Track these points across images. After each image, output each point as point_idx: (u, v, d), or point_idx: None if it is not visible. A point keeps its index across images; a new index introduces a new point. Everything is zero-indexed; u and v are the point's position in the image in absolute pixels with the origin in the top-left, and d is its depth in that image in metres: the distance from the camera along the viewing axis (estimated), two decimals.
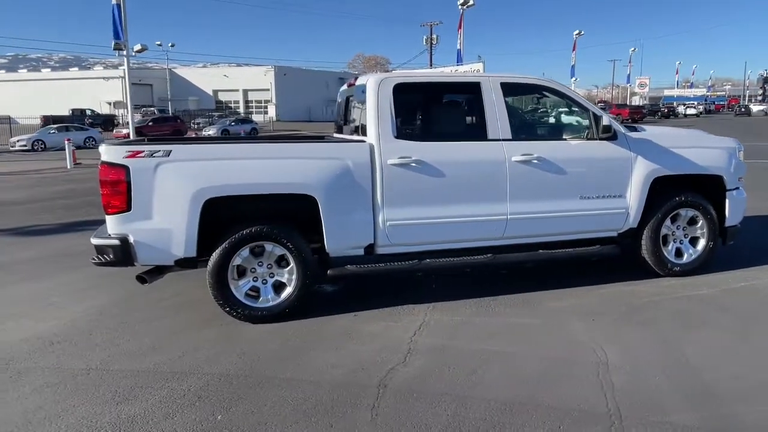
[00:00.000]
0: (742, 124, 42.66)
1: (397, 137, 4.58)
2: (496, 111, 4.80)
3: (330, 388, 3.43)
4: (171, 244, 4.27)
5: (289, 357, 3.89)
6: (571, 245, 5.10)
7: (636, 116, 48.92)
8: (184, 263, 4.39)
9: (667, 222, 5.22)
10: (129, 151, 4.16)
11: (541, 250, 5.02)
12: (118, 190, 4.16)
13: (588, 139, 5.02)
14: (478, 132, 4.80)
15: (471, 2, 35.59)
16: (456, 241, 4.82)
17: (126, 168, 4.14)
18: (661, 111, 62.95)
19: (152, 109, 52.46)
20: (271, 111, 48.68)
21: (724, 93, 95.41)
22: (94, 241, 4.29)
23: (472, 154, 4.74)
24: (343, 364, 3.76)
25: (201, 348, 4.07)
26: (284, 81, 63.22)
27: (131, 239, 4.20)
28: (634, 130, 5.41)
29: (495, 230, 4.83)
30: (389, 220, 4.57)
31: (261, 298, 4.52)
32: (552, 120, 5.72)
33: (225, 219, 4.42)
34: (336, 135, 5.94)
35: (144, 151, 4.18)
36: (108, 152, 4.19)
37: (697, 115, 63.31)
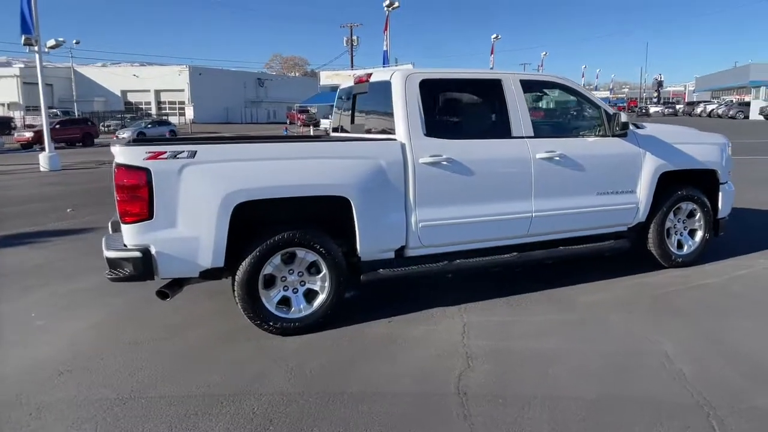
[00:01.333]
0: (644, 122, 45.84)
1: (426, 135, 4.44)
2: (518, 108, 4.78)
3: (410, 400, 3.24)
4: (197, 254, 3.88)
5: (345, 370, 3.64)
6: (586, 241, 5.18)
7: None
8: (209, 275, 4.02)
9: (671, 215, 5.43)
10: (150, 152, 3.74)
11: (561, 247, 5.05)
12: (139, 195, 3.73)
13: (600, 136, 5.12)
14: (502, 129, 4.74)
15: (396, 4, 35.91)
16: (484, 241, 4.74)
17: (147, 171, 3.72)
18: None
19: (54, 110, 48.67)
20: (189, 112, 46.52)
21: (624, 95, 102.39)
22: (109, 254, 3.82)
23: (500, 151, 4.68)
24: (407, 373, 3.57)
25: (240, 366, 3.73)
26: (200, 81, 60.83)
27: (153, 250, 3.78)
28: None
29: (520, 228, 4.81)
30: (422, 220, 4.41)
31: (293, 309, 4.22)
32: (565, 117, 5.78)
33: (252, 225, 4.09)
34: (339, 134, 5.70)
35: (166, 152, 3.77)
36: (125, 153, 3.74)
37: None
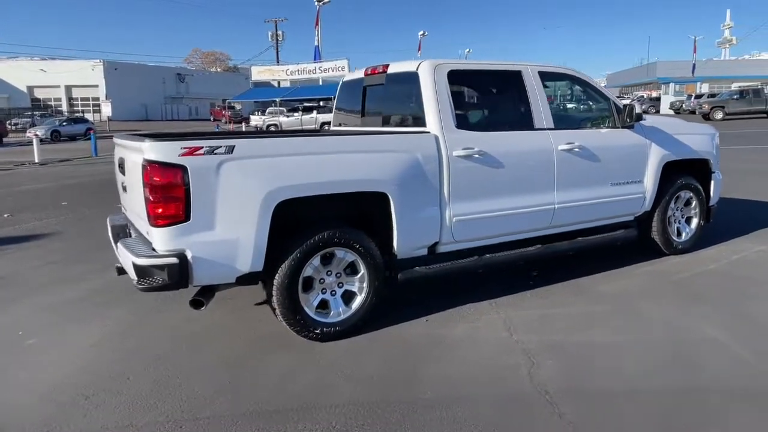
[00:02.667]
0: None
1: (458, 127, 4.32)
2: (539, 100, 4.75)
3: (492, 402, 3.11)
4: (236, 257, 3.56)
5: (408, 375, 3.45)
6: (598, 231, 5.25)
7: None
8: (245, 280, 3.71)
9: (672, 204, 5.61)
10: (185, 148, 3.38)
11: (579, 238, 5.09)
12: (174, 195, 3.36)
13: (610, 128, 5.20)
14: (526, 121, 4.70)
15: None
16: (510, 234, 4.69)
17: (183, 168, 3.36)
18: None
19: None
20: (106, 109, 43.75)
21: None
22: (139, 261, 3.42)
23: (527, 143, 4.64)
24: (472, 374, 3.43)
25: (289, 377, 3.46)
26: (116, 77, 57.44)
27: (189, 255, 3.43)
28: None
29: (544, 220, 4.79)
30: (456, 215, 4.29)
31: (332, 312, 3.98)
32: (578, 109, 5.83)
33: (290, 224, 3.80)
34: (346, 128, 5.46)
35: (203, 148, 3.42)
36: (157, 149, 3.36)
37: None
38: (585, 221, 5.10)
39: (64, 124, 35.28)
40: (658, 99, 51.39)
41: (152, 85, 62.24)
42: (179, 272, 3.40)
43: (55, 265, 6.16)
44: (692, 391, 3.16)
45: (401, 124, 4.67)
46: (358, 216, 4.12)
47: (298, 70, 41.25)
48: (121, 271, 4.25)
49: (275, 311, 3.85)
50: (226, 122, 44.44)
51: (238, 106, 55.63)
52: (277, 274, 3.73)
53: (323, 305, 3.98)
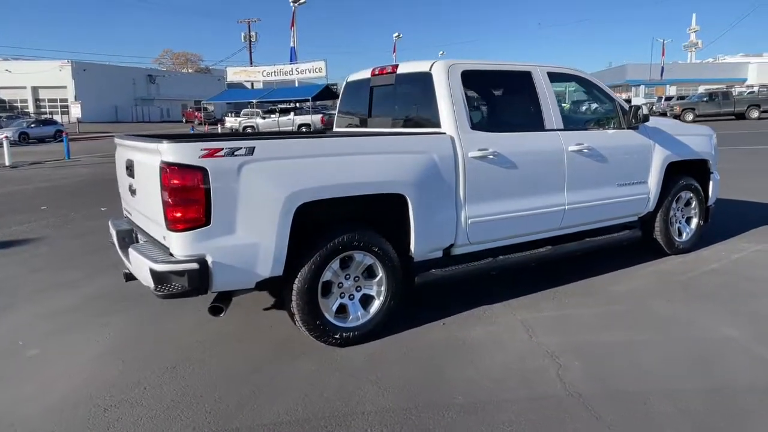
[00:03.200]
0: None
1: (472, 128, 4.28)
2: (548, 101, 4.75)
3: (526, 405, 3.06)
4: (256, 262, 3.46)
5: (435, 379, 3.39)
6: (604, 232, 5.28)
7: None
8: (265, 285, 3.60)
9: (673, 204, 5.68)
10: (206, 149, 3.26)
11: (587, 239, 5.11)
12: (194, 198, 3.25)
13: (616, 128, 5.23)
14: (537, 122, 4.69)
15: (302, 0, 35.32)
16: (522, 235, 4.67)
17: (204, 170, 3.24)
18: None
19: None
20: (75, 111, 42.56)
21: None
22: (158, 267, 3.28)
23: (539, 144, 4.63)
24: (500, 378, 3.39)
25: (314, 385, 3.36)
26: (85, 78, 56.09)
27: (209, 260, 3.31)
28: None
29: (555, 221, 4.79)
30: (471, 217, 4.25)
31: (351, 317, 3.90)
32: (584, 109, 5.84)
33: (307, 227, 3.71)
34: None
35: (223, 149, 3.31)
36: (175, 151, 3.23)
37: None
38: (592, 222, 5.12)
39: (33, 125, 34.26)
40: (628, 101, 52.25)
41: (122, 86, 60.99)
42: (199, 278, 3.28)
43: (45, 271, 5.93)
44: (723, 391, 3.17)
45: (413, 125, 4.61)
46: (372, 218, 4.05)
47: (275, 71, 40.85)
48: (130, 277, 4.11)
49: (293, 317, 3.75)
50: (199, 123, 43.78)
51: (210, 108, 54.83)
52: (297, 279, 3.63)
53: (341, 310, 3.90)
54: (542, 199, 4.64)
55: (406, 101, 4.85)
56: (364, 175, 3.76)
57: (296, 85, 40.83)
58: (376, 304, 3.98)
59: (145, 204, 3.78)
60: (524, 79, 4.73)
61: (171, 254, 3.37)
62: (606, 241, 5.23)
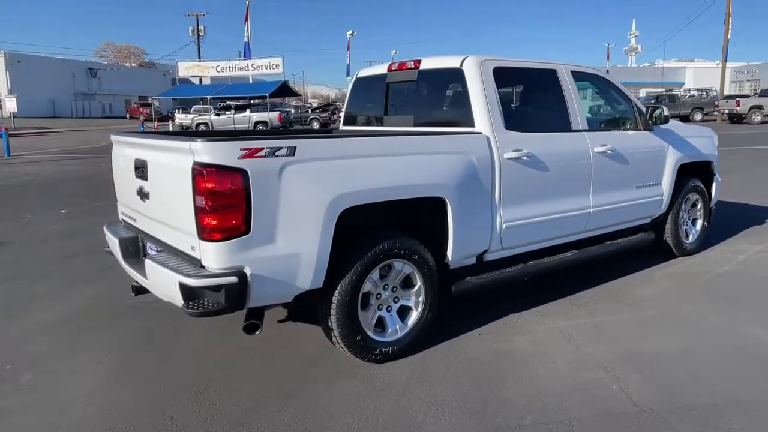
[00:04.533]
0: None
1: (507, 128, 4.07)
2: (574, 101, 4.61)
3: (599, 423, 2.87)
4: (297, 273, 3.12)
5: (489, 398, 3.14)
6: (619, 235, 5.18)
7: None
8: (303, 298, 3.27)
9: (682, 206, 5.66)
10: (245, 149, 2.90)
11: (608, 242, 5.00)
12: (233, 204, 2.88)
13: (633, 130, 5.15)
14: (565, 122, 4.53)
15: None
16: (550, 239, 4.50)
17: (244, 173, 2.88)
18: None
19: None
20: (10, 105, 39.96)
21: None
22: (191, 281, 2.89)
23: (569, 145, 4.47)
24: (560, 393, 3.18)
25: (365, 408, 3.06)
26: (19, 70, 52.97)
27: (248, 273, 2.96)
28: None
29: (581, 224, 4.65)
30: (506, 221, 4.04)
31: (389, 330, 3.61)
32: (603, 110, 5.72)
33: (346, 235, 3.39)
34: (361, 128, 5.07)
35: (263, 149, 2.96)
36: (212, 150, 2.86)
37: None
38: (613, 225, 5.01)
39: None
40: None
41: (60, 79, 57.92)
42: (238, 293, 2.93)
43: (13, 283, 5.34)
44: None
45: (440, 124, 4.36)
46: (409, 224, 3.78)
47: (230, 67, 39.62)
48: (140, 290, 3.69)
49: (330, 332, 3.43)
50: (145, 120, 42.04)
51: (156, 104, 52.90)
52: (337, 291, 3.32)
53: (378, 323, 3.61)
54: (570, 201, 4.49)
55: (431, 99, 4.60)
56: (407, 177, 3.49)
57: (250, 81, 39.80)
58: (413, 316, 3.71)
59: (162, 210, 3.36)
60: (551, 78, 4.57)
61: (202, 266, 2.99)
62: (625, 244, 5.14)
